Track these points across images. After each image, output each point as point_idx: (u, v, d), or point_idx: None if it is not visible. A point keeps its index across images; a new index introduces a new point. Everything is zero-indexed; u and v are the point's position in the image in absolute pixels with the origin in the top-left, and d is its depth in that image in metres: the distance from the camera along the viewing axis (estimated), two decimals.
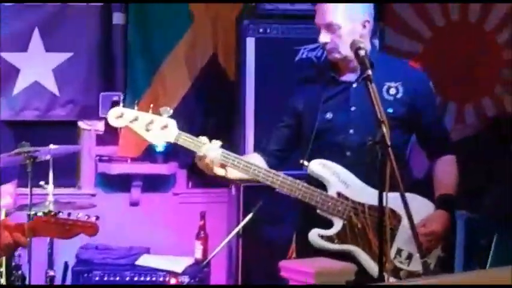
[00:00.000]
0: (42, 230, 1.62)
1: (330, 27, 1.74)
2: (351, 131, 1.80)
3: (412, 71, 1.99)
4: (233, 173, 1.75)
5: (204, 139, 1.74)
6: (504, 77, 2.86)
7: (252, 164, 1.75)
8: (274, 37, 2.58)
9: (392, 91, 1.82)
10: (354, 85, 1.79)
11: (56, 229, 1.61)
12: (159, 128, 1.67)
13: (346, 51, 1.74)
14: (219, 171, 1.71)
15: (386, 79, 1.79)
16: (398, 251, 1.82)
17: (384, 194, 1.47)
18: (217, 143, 1.73)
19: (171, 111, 1.65)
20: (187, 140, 1.69)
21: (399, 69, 1.90)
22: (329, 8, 1.75)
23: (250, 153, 2.06)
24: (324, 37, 1.75)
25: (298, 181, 1.80)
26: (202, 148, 1.68)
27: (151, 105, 1.66)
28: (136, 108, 1.76)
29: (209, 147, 1.72)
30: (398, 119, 1.77)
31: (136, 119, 1.68)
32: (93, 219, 1.67)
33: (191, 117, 2.55)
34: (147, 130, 1.67)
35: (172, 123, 1.68)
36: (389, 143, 1.44)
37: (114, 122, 1.71)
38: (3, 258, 2.04)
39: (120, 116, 1.67)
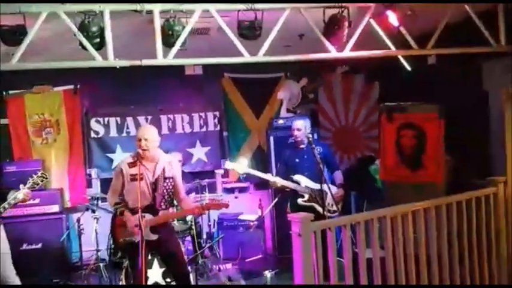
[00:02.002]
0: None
1: (299, 130, 4.54)
2: (306, 164, 4.44)
3: (324, 143, 4.88)
4: (278, 184, 4.43)
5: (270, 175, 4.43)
6: (364, 145, 6.96)
7: (279, 179, 4.40)
8: (280, 136, 5.81)
9: (319, 149, 4.44)
10: (305, 148, 4.49)
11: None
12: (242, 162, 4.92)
13: (304, 140, 4.53)
14: (279, 185, 4.49)
15: (316, 146, 4.41)
16: (328, 204, 4.42)
17: (323, 185, 4.17)
18: (278, 178, 4.42)
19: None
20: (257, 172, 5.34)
21: (319, 143, 4.65)
22: (298, 125, 4.49)
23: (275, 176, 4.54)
24: (297, 134, 4.52)
25: (294, 184, 4.47)
26: (270, 177, 4.40)
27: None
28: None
29: (275, 178, 4.36)
30: (321, 158, 4.30)
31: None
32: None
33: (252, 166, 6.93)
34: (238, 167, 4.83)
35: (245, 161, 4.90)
36: (322, 167, 4.20)
37: (229, 166, 4.99)
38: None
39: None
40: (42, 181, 3.69)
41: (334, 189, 4.57)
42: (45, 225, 5.56)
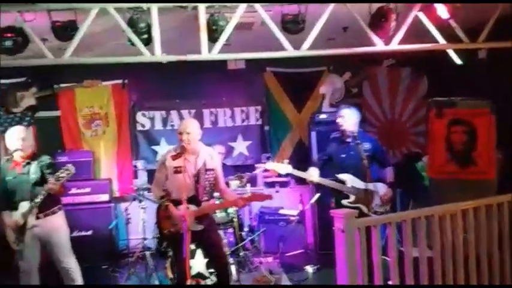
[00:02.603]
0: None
1: (342, 117, 4.29)
2: (352, 160, 4.17)
3: (372, 138, 4.52)
4: (315, 180, 4.39)
5: (313, 170, 4.33)
6: (411, 141, 6.79)
7: (320, 178, 4.23)
8: (323, 130, 5.72)
9: (367, 146, 4.24)
10: (351, 143, 4.24)
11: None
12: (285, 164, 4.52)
13: (348, 132, 4.27)
14: (316, 182, 4.42)
15: (363, 141, 4.23)
16: (376, 204, 4.25)
17: (368, 183, 4.04)
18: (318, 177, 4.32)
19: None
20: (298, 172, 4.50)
21: (367, 137, 4.37)
22: (342, 113, 4.33)
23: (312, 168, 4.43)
24: (340, 121, 4.28)
25: (336, 182, 4.25)
26: (311, 177, 4.31)
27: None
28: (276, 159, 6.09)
29: (314, 174, 4.30)
30: (369, 155, 4.16)
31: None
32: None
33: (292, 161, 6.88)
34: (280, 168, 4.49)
35: (287, 163, 4.41)
36: (367, 165, 4.01)
37: (270, 166, 5.43)
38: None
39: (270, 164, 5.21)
40: (66, 175, 3.76)
41: (383, 188, 4.36)
42: (95, 213, 5.79)
